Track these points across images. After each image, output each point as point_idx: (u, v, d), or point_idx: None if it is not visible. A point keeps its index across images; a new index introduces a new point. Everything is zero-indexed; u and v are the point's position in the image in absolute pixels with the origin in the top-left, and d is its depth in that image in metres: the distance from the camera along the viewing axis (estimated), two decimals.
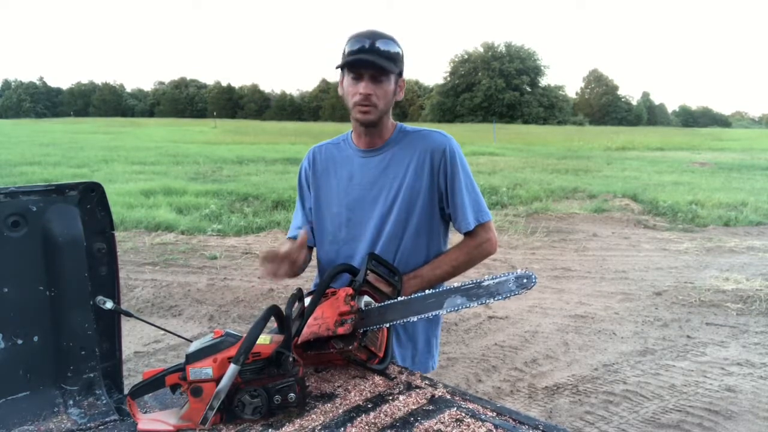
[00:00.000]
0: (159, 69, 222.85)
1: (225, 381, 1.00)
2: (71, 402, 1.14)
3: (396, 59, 1.45)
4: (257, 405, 1.03)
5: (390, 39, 1.43)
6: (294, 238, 1.64)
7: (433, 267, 1.52)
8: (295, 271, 1.47)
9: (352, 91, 1.45)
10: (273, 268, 1.39)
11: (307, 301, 1.28)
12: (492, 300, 1.17)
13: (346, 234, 1.56)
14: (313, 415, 1.05)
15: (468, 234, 1.52)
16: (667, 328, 4.06)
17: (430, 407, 1.07)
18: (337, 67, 1.47)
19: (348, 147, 1.59)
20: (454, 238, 1.59)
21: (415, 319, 1.21)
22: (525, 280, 1.15)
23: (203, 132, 32.83)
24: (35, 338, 1.14)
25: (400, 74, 1.49)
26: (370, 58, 1.39)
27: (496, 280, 1.17)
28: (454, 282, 1.29)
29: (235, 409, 1.03)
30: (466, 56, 75.37)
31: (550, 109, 71.90)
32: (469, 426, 0.98)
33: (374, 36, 1.41)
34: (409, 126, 1.58)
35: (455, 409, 1.05)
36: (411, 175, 1.49)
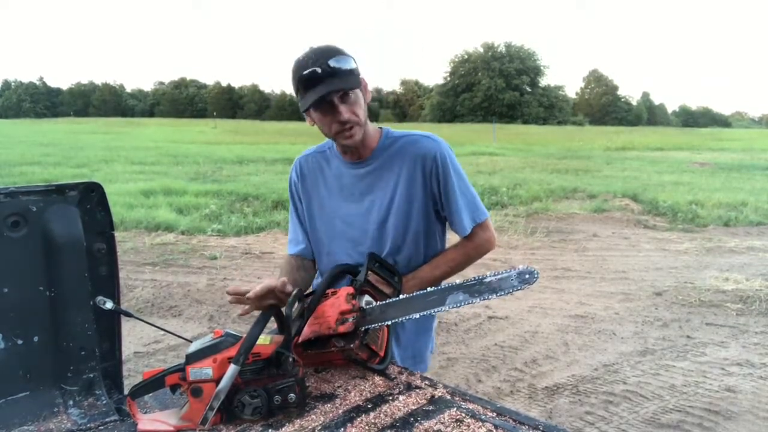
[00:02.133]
0: (159, 69, 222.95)
1: (225, 381, 1.00)
2: (71, 402, 1.14)
3: (354, 72, 1.33)
4: (257, 405, 1.03)
5: (339, 53, 1.31)
6: (296, 255, 1.62)
7: (432, 267, 1.51)
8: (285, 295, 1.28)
9: (329, 122, 1.35)
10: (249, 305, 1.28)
11: (308, 301, 1.28)
12: (494, 296, 1.17)
13: (341, 246, 1.53)
14: (313, 416, 1.05)
15: (466, 236, 1.52)
16: (667, 328, 4.06)
17: (430, 407, 1.07)
18: (303, 111, 1.38)
19: (334, 157, 1.54)
20: (453, 236, 1.59)
21: (417, 316, 1.21)
22: (527, 276, 1.15)
23: (203, 132, 32.85)
24: (35, 338, 1.14)
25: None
26: (333, 85, 1.28)
27: (498, 276, 1.17)
28: (456, 279, 1.29)
29: (235, 409, 1.03)
30: (466, 56, 75.48)
31: (550, 109, 71.98)
32: (469, 426, 0.98)
33: (322, 56, 1.28)
34: (395, 131, 1.52)
35: (455, 409, 1.05)
36: (404, 183, 1.46)
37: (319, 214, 1.57)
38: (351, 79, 1.33)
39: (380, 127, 1.53)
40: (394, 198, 1.47)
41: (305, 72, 1.29)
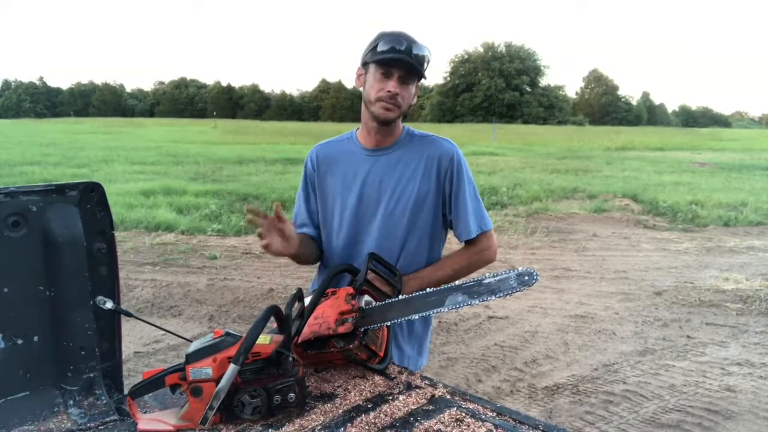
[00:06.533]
0: (159, 69, 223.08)
1: (224, 381, 1.00)
2: (71, 402, 1.14)
3: (425, 68, 1.46)
4: (257, 405, 1.03)
5: (424, 45, 1.45)
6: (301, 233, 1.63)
7: (434, 269, 1.53)
8: (293, 251, 1.45)
9: (378, 87, 1.45)
10: (266, 235, 1.38)
11: (307, 301, 1.28)
12: (493, 297, 1.17)
13: (349, 231, 1.56)
14: (313, 415, 1.05)
15: (469, 241, 1.53)
16: (667, 328, 4.06)
17: (430, 407, 1.07)
18: (366, 63, 1.47)
19: (353, 145, 1.59)
20: (450, 246, 1.60)
21: (416, 317, 1.21)
22: (526, 277, 1.16)
23: (203, 132, 32.85)
24: (35, 338, 1.14)
25: (419, 80, 1.50)
26: (407, 59, 1.40)
27: (498, 278, 1.17)
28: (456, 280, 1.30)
29: (235, 409, 1.03)
30: (466, 56, 75.43)
31: (550, 109, 71.94)
32: (469, 426, 0.98)
33: (410, 39, 1.42)
34: (415, 130, 1.59)
35: (455, 409, 1.05)
36: (419, 178, 1.50)
37: (330, 199, 1.59)
38: (420, 68, 1.44)
39: (403, 125, 1.59)
40: (406, 191, 1.51)
41: (389, 41, 1.41)
